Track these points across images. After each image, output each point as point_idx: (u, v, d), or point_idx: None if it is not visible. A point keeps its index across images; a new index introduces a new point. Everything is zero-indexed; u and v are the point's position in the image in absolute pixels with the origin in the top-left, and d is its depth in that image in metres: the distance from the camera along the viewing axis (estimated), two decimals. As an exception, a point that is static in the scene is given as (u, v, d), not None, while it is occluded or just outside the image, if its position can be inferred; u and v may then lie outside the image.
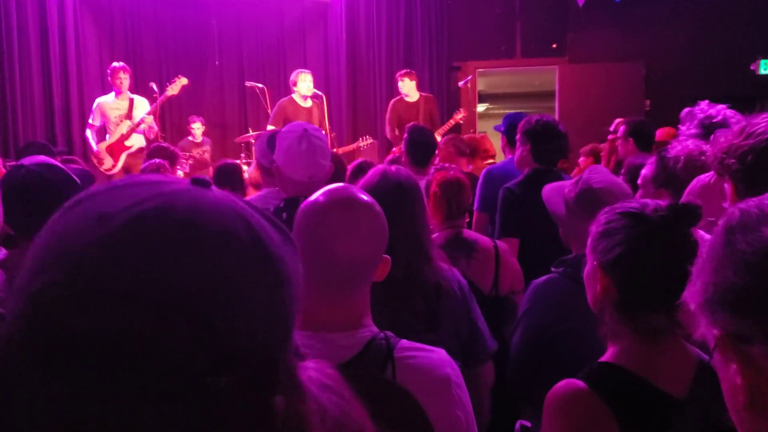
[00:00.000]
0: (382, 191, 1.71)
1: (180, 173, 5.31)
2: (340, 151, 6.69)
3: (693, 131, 2.94)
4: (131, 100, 6.37)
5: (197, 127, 7.59)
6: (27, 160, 1.88)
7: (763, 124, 1.52)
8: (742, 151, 1.51)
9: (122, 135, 6.33)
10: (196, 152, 6.95)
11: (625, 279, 1.27)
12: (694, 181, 2.03)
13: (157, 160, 4.25)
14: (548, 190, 2.21)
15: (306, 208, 1.24)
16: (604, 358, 1.29)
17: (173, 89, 6.54)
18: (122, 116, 6.38)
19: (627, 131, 3.94)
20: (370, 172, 1.95)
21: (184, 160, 5.72)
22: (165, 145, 5.22)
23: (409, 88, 6.61)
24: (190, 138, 7.59)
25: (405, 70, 6.88)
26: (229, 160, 4.81)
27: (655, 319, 1.24)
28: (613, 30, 8.43)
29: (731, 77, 7.80)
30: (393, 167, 1.96)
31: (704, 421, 1.22)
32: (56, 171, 1.86)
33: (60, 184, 1.82)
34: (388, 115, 6.66)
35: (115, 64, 6.57)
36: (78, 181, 1.88)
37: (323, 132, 2.80)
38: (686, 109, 3.16)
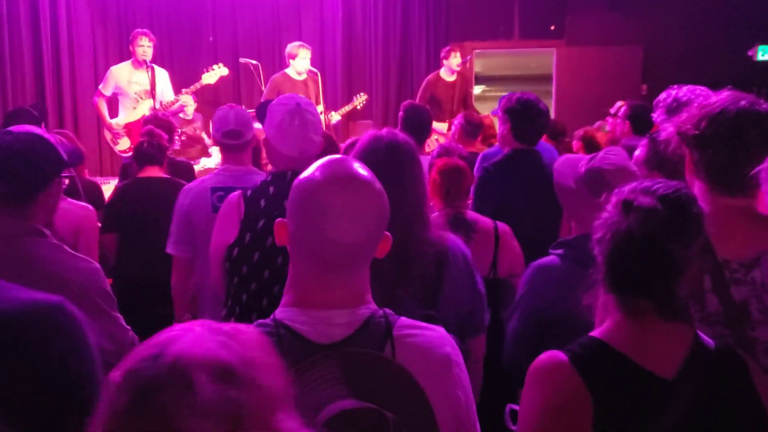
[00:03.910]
0: (374, 152, 1.65)
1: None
2: (337, 112, 6.59)
3: (662, 117, 2.93)
4: (152, 73, 5.67)
5: (189, 104, 7.47)
6: (16, 128, 1.83)
7: (721, 96, 1.56)
8: (697, 119, 1.54)
9: (145, 116, 5.62)
10: (188, 129, 6.85)
11: (607, 262, 1.27)
12: None
13: (151, 127, 4.08)
14: (561, 162, 2.09)
15: (300, 186, 1.14)
16: (594, 333, 1.29)
17: (211, 78, 5.94)
18: (145, 92, 5.72)
19: (626, 113, 3.98)
20: (363, 136, 1.90)
21: (177, 137, 5.57)
22: (162, 115, 4.85)
23: (456, 64, 6.48)
24: (181, 115, 7.48)
25: (451, 46, 6.72)
26: (181, 159, 4.78)
27: (640, 302, 1.24)
28: (611, 13, 8.38)
29: (729, 63, 7.76)
30: (385, 129, 1.90)
31: (696, 403, 1.21)
32: (44, 143, 1.81)
33: (44, 157, 1.78)
34: (420, 94, 6.47)
35: (137, 30, 5.80)
36: (65, 157, 1.84)
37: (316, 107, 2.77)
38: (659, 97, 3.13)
